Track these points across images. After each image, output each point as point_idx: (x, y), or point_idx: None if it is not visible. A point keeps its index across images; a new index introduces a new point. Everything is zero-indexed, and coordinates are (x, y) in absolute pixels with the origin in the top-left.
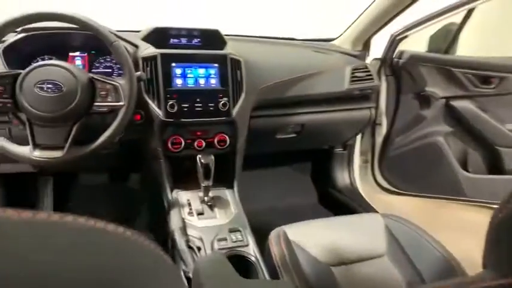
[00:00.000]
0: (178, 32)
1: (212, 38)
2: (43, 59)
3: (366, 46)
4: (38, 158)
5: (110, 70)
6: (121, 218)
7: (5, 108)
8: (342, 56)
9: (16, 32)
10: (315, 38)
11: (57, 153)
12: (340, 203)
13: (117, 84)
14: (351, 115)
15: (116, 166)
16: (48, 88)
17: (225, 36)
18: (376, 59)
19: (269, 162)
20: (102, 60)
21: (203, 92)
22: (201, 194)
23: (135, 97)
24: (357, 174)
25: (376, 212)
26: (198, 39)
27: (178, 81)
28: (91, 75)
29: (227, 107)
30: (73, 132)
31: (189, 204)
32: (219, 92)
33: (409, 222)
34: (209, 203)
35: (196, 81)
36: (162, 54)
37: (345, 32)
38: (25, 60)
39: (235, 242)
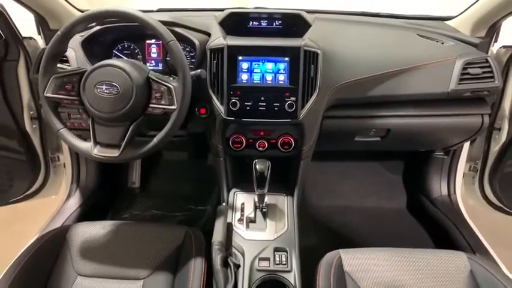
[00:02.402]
0: (259, 15)
1: (294, 21)
2: (123, 46)
3: (492, 31)
4: (96, 155)
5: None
6: (196, 195)
7: (73, 105)
8: (456, 44)
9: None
10: (426, 16)
11: (113, 153)
12: (430, 215)
13: (171, 86)
14: (454, 121)
15: (195, 147)
16: (106, 89)
17: (308, 17)
18: (505, 46)
19: (352, 156)
20: None
21: (269, 90)
22: (256, 197)
23: (187, 101)
24: (459, 183)
25: (473, 232)
26: (279, 22)
27: (244, 77)
28: (149, 75)
29: (294, 108)
30: (129, 132)
31: (242, 209)
32: (286, 91)
33: (502, 273)
34: (263, 210)
35: (262, 77)
36: (229, 47)
37: (467, 10)
38: (107, 48)
39: (278, 264)
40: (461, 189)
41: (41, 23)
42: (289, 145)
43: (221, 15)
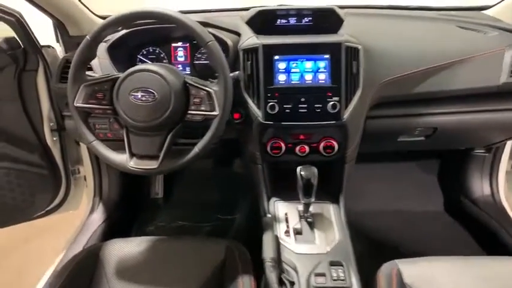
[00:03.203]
0: (287, 12)
1: (325, 17)
2: (148, 51)
3: None
4: (133, 168)
5: None
6: (222, 203)
7: (105, 114)
8: (500, 34)
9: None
10: (459, 6)
11: (151, 164)
12: (472, 216)
13: (210, 90)
14: (504, 117)
15: (220, 154)
16: (142, 96)
17: (341, 12)
18: None
19: (384, 158)
20: (204, 51)
21: (309, 90)
22: (300, 207)
23: (229, 106)
24: (502, 182)
25: None
26: (309, 19)
27: (281, 78)
28: (186, 79)
29: (337, 109)
30: (167, 142)
31: (286, 220)
32: (328, 90)
33: None
34: (308, 220)
35: (301, 77)
36: (265, 46)
37: None
38: (131, 53)
39: (335, 280)
40: (504, 188)
41: (61, 29)
42: (332, 149)
43: (248, 14)
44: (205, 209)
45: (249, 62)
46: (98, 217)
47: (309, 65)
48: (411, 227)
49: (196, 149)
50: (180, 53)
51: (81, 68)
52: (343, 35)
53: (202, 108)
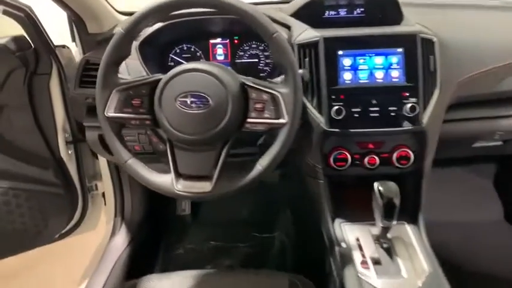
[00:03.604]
0: (336, 2)
1: (381, 7)
2: (181, 48)
3: None
4: (182, 193)
5: (256, 60)
6: (258, 220)
7: (143, 125)
8: None
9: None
10: None
11: (204, 187)
12: None
13: (276, 93)
14: None
15: None
16: (192, 102)
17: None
18: None
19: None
20: (246, 47)
21: (381, 91)
22: (374, 230)
23: (300, 112)
24: None
25: None
26: (361, 10)
27: (347, 76)
28: (242, 79)
29: (416, 112)
30: (222, 158)
31: (360, 247)
32: (403, 90)
33: None
34: (384, 245)
35: (371, 75)
36: (326, 39)
37: None
38: (162, 52)
39: None
40: None
41: (79, 26)
42: (407, 159)
43: (293, 6)
44: (239, 226)
45: (307, 59)
46: (121, 240)
47: (379, 60)
48: (471, 239)
49: (259, 167)
50: (219, 50)
51: (113, 69)
52: (413, 25)
53: (266, 115)
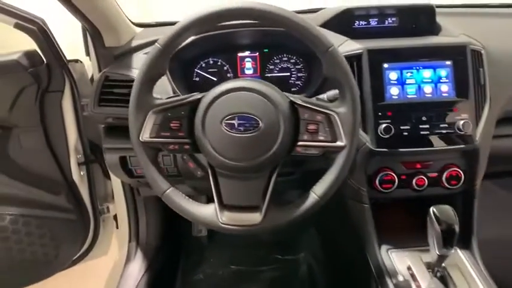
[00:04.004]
0: (367, 12)
1: (414, 17)
2: (207, 63)
3: None
4: (228, 226)
5: (288, 74)
6: (280, 240)
7: (181, 150)
8: None
9: None
10: None
11: (253, 218)
12: None
13: (332, 113)
14: None
15: None
16: (240, 125)
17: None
18: None
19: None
20: (277, 60)
21: (430, 106)
22: (426, 257)
23: (358, 133)
24: None
25: None
26: (393, 19)
27: (394, 91)
28: (290, 98)
29: (469, 129)
30: (271, 185)
31: (413, 277)
32: (454, 105)
33: None
34: (439, 273)
35: (419, 89)
36: (371, 52)
37: None
38: (187, 67)
39: None
40: None
41: (96, 39)
42: (457, 179)
43: (323, 15)
44: (259, 248)
45: None
46: (138, 267)
47: (427, 74)
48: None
49: (314, 196)
50: (248, 64)
51: (148, 88)
52: (458, 36)
53: (321, 137)
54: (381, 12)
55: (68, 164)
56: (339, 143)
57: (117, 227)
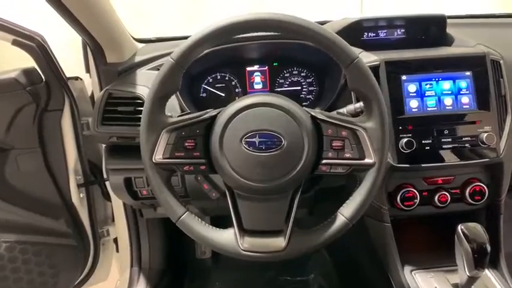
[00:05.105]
0: (375, 24)
1: (423, 28)
2: (214, 78)
3: None
4: (250, 253)
5: (298, 88)
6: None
7: (197, 171)
8: None
9: None
10: None
11: (276, 244)
12: None
13: (359, 129)
14: None
15: None
16: (261, 143)
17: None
18: None
19: None
20: (287, 74)
21: (451, 119)
22: (453, 278)
23: (387, 149)
24: None
25: None
26: (402, 31)
27: (413, 104)
28: (312, 113)
29: (493, 141)
30: (294, 207)
31: None
32: (477, 118)
33: None
34: None
35: (439, 101)
36: (388, 63)
37: None
38: (193, 82)
39: None
40: None
41: (98, 56)
42: (481, 194)
43: (332, 27)
44: (267, 269)
45: None
46: None
47: (446, 85)
48: None
49: (342, 218)
50: (257, 78)
51: (160, 106)
52: (474, 46)
53: (347, 154)
54: (390, 24)
55: (67, 186)
56: (367, 161)
57: (117, 251)
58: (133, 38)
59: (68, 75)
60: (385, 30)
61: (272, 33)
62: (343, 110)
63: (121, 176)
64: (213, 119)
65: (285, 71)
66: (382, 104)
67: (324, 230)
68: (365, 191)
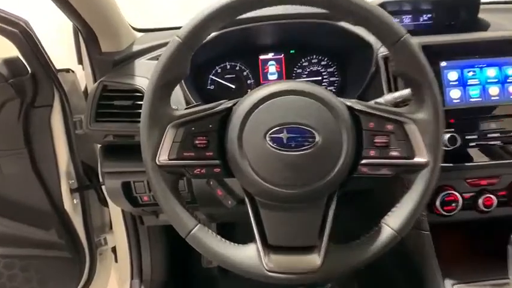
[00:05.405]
0: (400, 8)
1: (451, 13)
2: (223, 68)
3: None
4: (277, 274)
5: (319, 78)
6: None
7: (210, 174)
8: None
9: None
10: None
11: (309, 262)
12: None
13: (407, 121)
14: None
15: None
16: (290, 140)
17: None
18: None
19: None
20: (305, 63)
21: (499, 111)
22: None
23: (442, 146)
24: None
25: None
26: (428, 16)
27: (454, 94)
28: (347, 103)
29: None
30: (330, 218)
31: None
32: None
33: None
34: None
35: (484, 91)
36: (425, 48)
37: None
38: (199, 72)
39: None
40: None
41: (92, 44)
42: None
43: None
44: None
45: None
46: None
47: (492, 72)
48: None
49: (390, 230)
50: (272, 68)
51: (165, 94)
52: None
53: (393, 153)
54: (416, 8)
55: (58, 192)
56: (419, 160)
57: (116, 261)
58: (134, 28)
59: (58, 67)
60: (410, 15)
61: (290, 12)
62: (381, 99)
63: (118, 180)
64: (229, 111)
65: (303, 60)
66: (435, 90)
67: (366, 245)
68: (416, 196)
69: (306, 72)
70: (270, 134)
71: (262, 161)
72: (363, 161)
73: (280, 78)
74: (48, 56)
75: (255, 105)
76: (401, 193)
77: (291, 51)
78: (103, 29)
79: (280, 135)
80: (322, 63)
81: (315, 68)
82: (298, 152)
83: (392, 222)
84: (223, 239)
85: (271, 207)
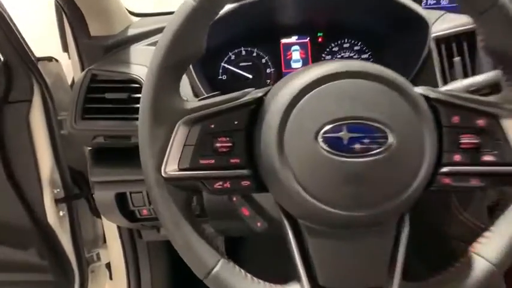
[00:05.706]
0: None
1: None
2: (238, 54)
3: None
4: None
5: None
6: None
7: (237, 188)
8: None
9: None
10: None
11: None
12: None
13: (505, 113)
14: None
15: None
16: (352, 141)
17: None
18: None
19: None
20: (335, 48)
21: None
22: None
23: None
24: None
25: None
26: None
27: None
28: (422, 91)
29: None
30: (402, 247)
31: None
32: None
33: None
34: None
35: None
36: None
37: None
38: (211, 60)
39: None
40: None
41: (77, 27)
42: None
43: None
44: None
45: (457, 59)
46: None
47: None
48: None
49: (486, 263)
50: (295, 54)
51: (173, 79)
52: None
53: (487, 158)
54: None
55: (40, 203)
56: None
57: (110, 278)
58: (131, 12)
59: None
60: None
61: None
62: (449, 86)
63: (111, 192)
64: (261, 102)
65: (332, 44)
66: None
67: (455, 283)
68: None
69: (339, 56)
70: (324, 134)
71: (313, 171)
72: (445, 169)
73: (305, 65)
74: (26, 42)
75: (300, 94)
76: (480, 209)
77: (319, 34)
78: (92, 8)
79: (339, 134)
80: (356, 48)
81: (346, 54)
82: (364, 159)
83: (489, 253)
84: (255, 279)
85: (322, 235)
